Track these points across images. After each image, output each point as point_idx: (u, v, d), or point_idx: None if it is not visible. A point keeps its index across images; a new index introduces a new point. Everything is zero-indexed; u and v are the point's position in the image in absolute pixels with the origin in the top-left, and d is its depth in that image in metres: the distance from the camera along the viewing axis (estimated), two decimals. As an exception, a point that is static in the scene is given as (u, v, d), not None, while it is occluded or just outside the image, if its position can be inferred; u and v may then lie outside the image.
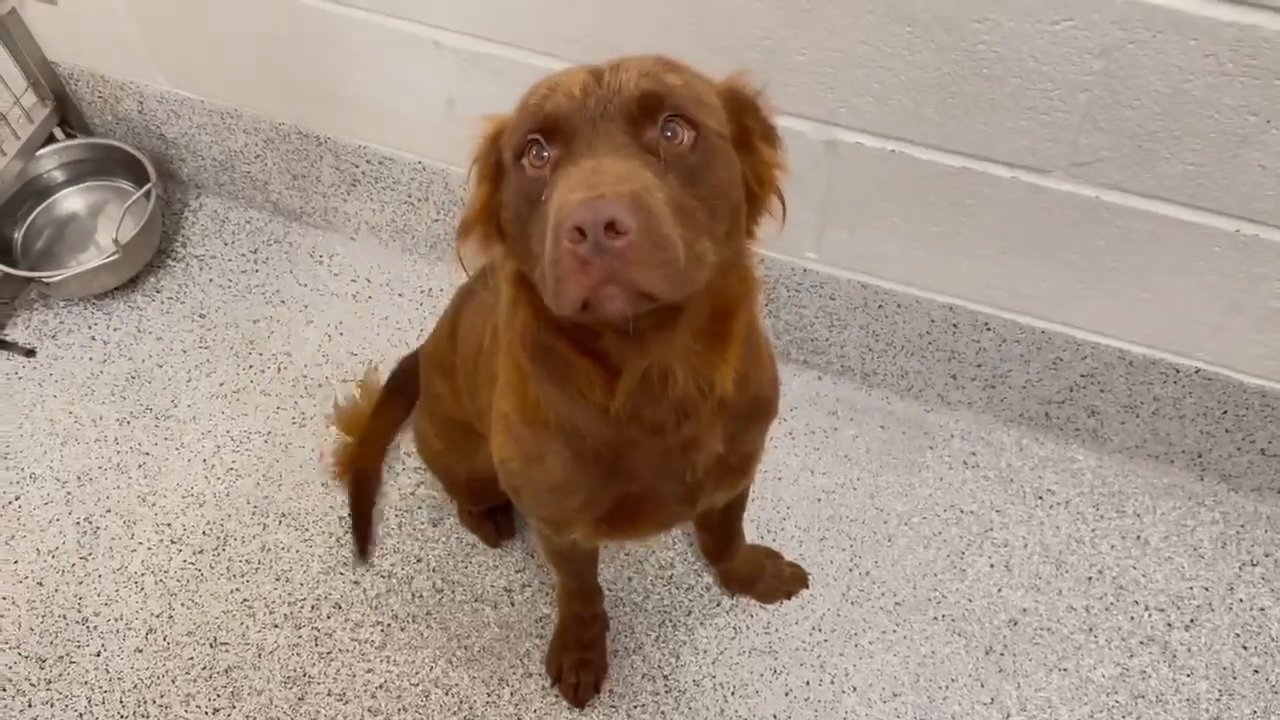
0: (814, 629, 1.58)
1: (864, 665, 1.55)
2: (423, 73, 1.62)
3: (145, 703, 1.55)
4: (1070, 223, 1.41)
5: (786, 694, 1.53)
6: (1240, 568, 1.62)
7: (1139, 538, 1.65)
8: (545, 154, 0.80)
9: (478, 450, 1.43)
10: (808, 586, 1.61)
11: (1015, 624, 1.57)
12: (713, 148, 0.81)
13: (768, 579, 1.59)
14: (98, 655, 1.59)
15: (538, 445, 1.05)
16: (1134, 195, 1.34)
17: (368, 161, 1.85)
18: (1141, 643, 1.56)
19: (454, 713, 1.53)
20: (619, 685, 1.54)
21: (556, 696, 1.53)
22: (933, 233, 1.50)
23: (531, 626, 1.60)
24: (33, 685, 1.57)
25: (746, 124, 0.87)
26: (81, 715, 1.55)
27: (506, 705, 1.53)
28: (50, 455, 1.79)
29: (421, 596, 1.63)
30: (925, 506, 1.68)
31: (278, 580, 1.65)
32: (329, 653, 1.58)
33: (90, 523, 1.72)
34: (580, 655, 1.52)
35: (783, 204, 0.91)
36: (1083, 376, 1.62)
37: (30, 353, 1.90)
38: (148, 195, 1.91)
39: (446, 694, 1.54)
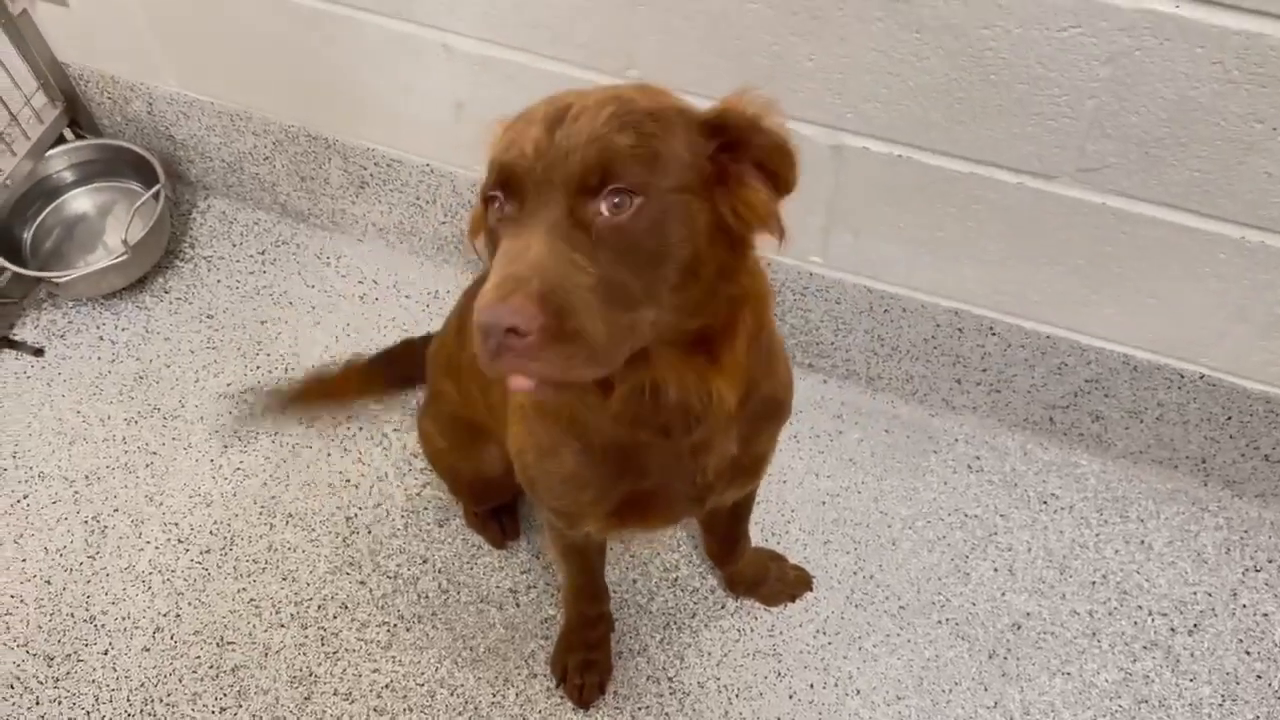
0: (818, 632, 1.58)
1: (868, 668, 1.55)
2: (432, 76, 1.62)
3: (152, 701, 1.56)
4: (1076, 228, 1.41)
5: (790, 697, 1.53)
6: (1243, 573, 1.62)
7: (1143, 543, 1.65)
8: (502, 209, 0.81)
9: (483, 450, 1.44)
10: (812, 589, 1.62)
11: (1019, 628, 1.58)
12: (663, 208, 0.79)
13: (772, 582, 1.60)
14: (105, 654, 1.60)
15: (551, 439, 1.07)
16: (1140, 201, 1.35)
17: (376, 164, 1.85)
18: (1144, 648, 1.56)
19: (459, 713, 1.53)
20: (624, 686, 1.55)
21: (561, 697, 1.54)
22: (938, 238, 1.51)
23: (537, 627, 1.60)
24: (40, 683, 1.58)
25: (749, 146, 0.85)
26: (89, 713, 1.55)
27: (511, 706, 1.54)
28: (58, 454, 1.80)
29: (427, 597, 1.63)
30: (929, 510, 1.69)
31: (284, 580, 1.66)
32: (335, 652, 1.59)
33: (98, 522, 1.72)
34: (585, 656, 1.52)
35: (781, 227, 0.88)
36: (1087, 382, 1.62)
37: (39, 352, 1.91)
38: (156, 196, 1.92)
39: (452, 694, 1.55)
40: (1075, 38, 1.21)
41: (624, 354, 0.80)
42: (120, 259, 1.86)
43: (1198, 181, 1.30)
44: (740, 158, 0.85)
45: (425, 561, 1.67)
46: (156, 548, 1.70)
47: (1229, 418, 1.58)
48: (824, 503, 1.70)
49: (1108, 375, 1.60)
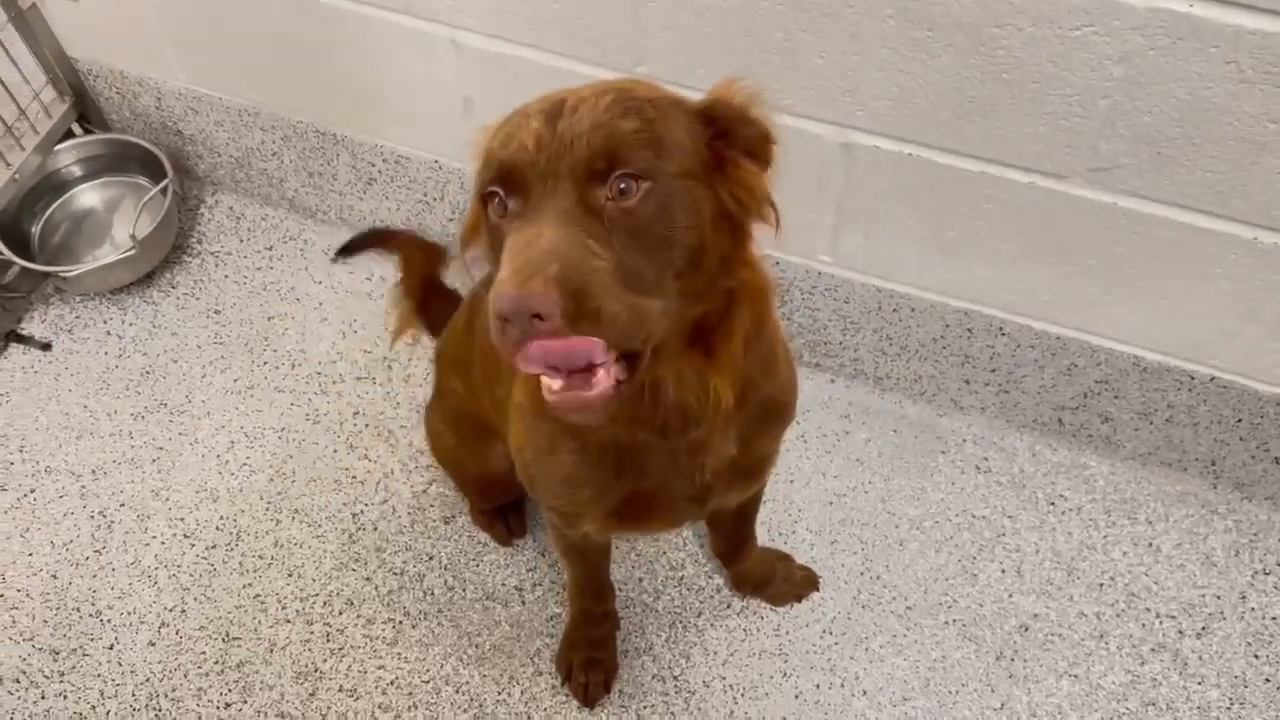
0: (825, 632, 1.58)
1: (874, 669, 1.55)
2: (441, 72, 1.62)
3: (157, 696, 1.56)
4: (1087, 229, 1.41)
5: (796, 696, 1.53)
6: (1253, 576, 1.61)
7: (1151, 545, 1.64)
8: (504, 205, 0.81)
9: (490, 448, 1.44)
10: (818, 589, 1.61)
11: (1026, 630, 1.57)
12: (669, 192, 0.80)
13: (779, 581, 1.59)
14: (110, 648, 1.60)
15: (550, 437, 1.06)
16: (1152, 202, 1.34)
17: (384, 160, 1.85)
18: (1152, 650, 1.55)
19: (464, 710, 1.53)
20: (629, 685, 1.55)
21: (567, 695, 1.54)
22: (948, 237, 1.50)
23: (542, 625, 1.60)
24: (46, 677, 1.58)
25: (737, 135, 0.86)
26: (94, 708, 1.55)
27: (517, 703, 1.53)
28: (65, 449, 1.80)
29: (433, 594, 1.63)
30: (937, 511, 1.68)
31: (290, 576, 1.66)
32: (340, 649, 1.59)
33: (104, 516, 1.72)
34: (590, 654, 1.52)
35: (775, 211, 0.89)
36: (1097, 383, 1.62)
37: (46, 347, 1.92)
38: (164, 191, 1.92)
39: (457, 691, 1.55)
40: (1088, 36, 1.20)
41: (645, 337, 0.79)
42: (128, 254, 1.86)
43: (1210, 182, 1.29)
44: (731, 145, 0.86)
45: (431, 558, 1.66)
46: (162, 543, 1.70)
47: (1239, 420, 1.58)
48: (831, 503, 1.69)
49: (1117, 376, 1.59)
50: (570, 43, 1.47)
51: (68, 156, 2.02)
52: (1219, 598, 1.59)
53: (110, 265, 1.87)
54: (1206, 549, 1.64)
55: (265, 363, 1.88)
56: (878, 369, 1.77)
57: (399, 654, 1.58)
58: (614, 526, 1.16)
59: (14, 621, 1.63)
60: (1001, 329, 1.60)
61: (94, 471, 1.77)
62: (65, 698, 1.56)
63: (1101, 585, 1.61)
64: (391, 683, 1.56)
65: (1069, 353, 1.59)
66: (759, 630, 1.58)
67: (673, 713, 1.52)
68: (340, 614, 1.62)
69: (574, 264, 0.74)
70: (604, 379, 0.77)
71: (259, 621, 1.62)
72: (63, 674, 1.58)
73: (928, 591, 1.61)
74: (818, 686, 1.54)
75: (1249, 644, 1.55)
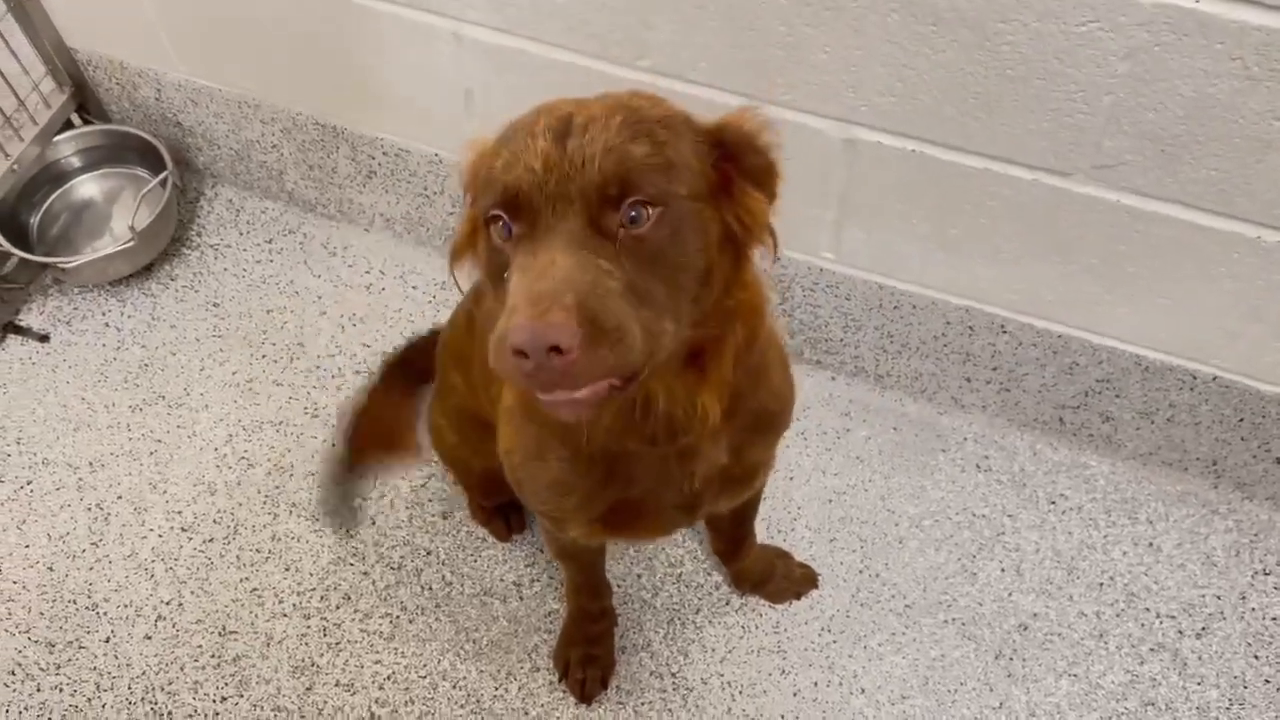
0: (823, 630, 1.58)
1: (873, 667, 1.54)
2: (442, 65, 1.62)
3: (153, 689, 1.55)
4: (1090, 226, 1.40)
5: (794, 694, 1.53)
6: (1253, 576, 1.61)
7: (1151, 544, 1.64)
8: (509, 229, 0.79)
9: (492, 445, 1.42)
10: (818, 587, 1.61)
11: (1025, 629, 1.57)
12: (680, 216, 0.79)
13: (778, 579, 1.59)
14: (107, 641, 1.60)
15: (538, 442, 1.06)
16: (1156, 200, 1.34)
17: (384, 153, 1.84)
18: (1152, 650, 1.55)
19: (461, 706, 1.53)
20: (626, 682, 1.54)
21: (564, 691, 1.53)
22: (951, 234, 1.50)
23: (540, 621, 1.59)
24: (42, 670, 1.58)
25: (743, 162, 0.85)
26: (90, 700, 1.55)
27: (514, 699, 1.53)
28: (63, 441, 1.79)
29: (431, 589, 1.63)
30: (937, 509, 1.68)
31: (287, 570, 1.65)
32: (337, 643, 1.58)
33: (101, 509, 1.72)
34: (587, 651, 1.52)
35: (775, 239, 0.88)
36: (1098, 382, 1.61)
37: (44, 338, 1.91)
38: (164, 183, 1.92)
39: (454, 687, 1.54)
40: (1093, 33, 1.19)
41: (653, 360, 0.78)
42: (127, 246, 1.85)
43: (1215, 180, 1.28)
44: (737, 171, 0.85)
45: (429, 553, 1.66)
46: (160, 535, 1.69)
47: (1241, 420, 1.57)
48: (831, 500, 1.69)
49: (1119, 375, 1.59)
50: (572, 36, 1.47)
51: (67, 147, 2.01)
52: (1219, 598, 1.59)
53: (109, 257, 1.86)
54: (1207, 549, 1.63)
55: (264, 356, 1.88)
56: (879, 366, 1.76)
57: (396, 649, 1.57)
58: (601, 533, 1.15)
59: (10, 614, 1.63)
60: (1003, 327, 1.59)
61: (91, 464, 1.76)
62: (61, 690, 1.56)
63: (1101, 585, 1.60)
64: (388, 677, 1.55)
65: (1071, 351, 1.58)
66: (757, 627, 1.58)
67: (670, 709, 1.52)
68: (337, 608, 1.61)
69: (590, 292, 0.72)
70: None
71: (256, 615, 1.61)
72: (59, 666, 1.58)
73: (927, 590, 1.60)
74: (816, 684, 1.53)
75: (1249, 644, 1.55)
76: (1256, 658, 1.54)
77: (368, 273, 1.97)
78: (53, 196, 2.02)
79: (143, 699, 1.55)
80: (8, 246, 1.84)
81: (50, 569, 1.67)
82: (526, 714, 1.52)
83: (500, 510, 1.65)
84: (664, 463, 1.00)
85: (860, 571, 1.62)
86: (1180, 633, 1.56)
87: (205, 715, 1.53)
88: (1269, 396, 1.52)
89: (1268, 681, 1.52)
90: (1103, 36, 1.19)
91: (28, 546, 1.69)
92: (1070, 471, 1.71)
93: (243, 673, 1.56)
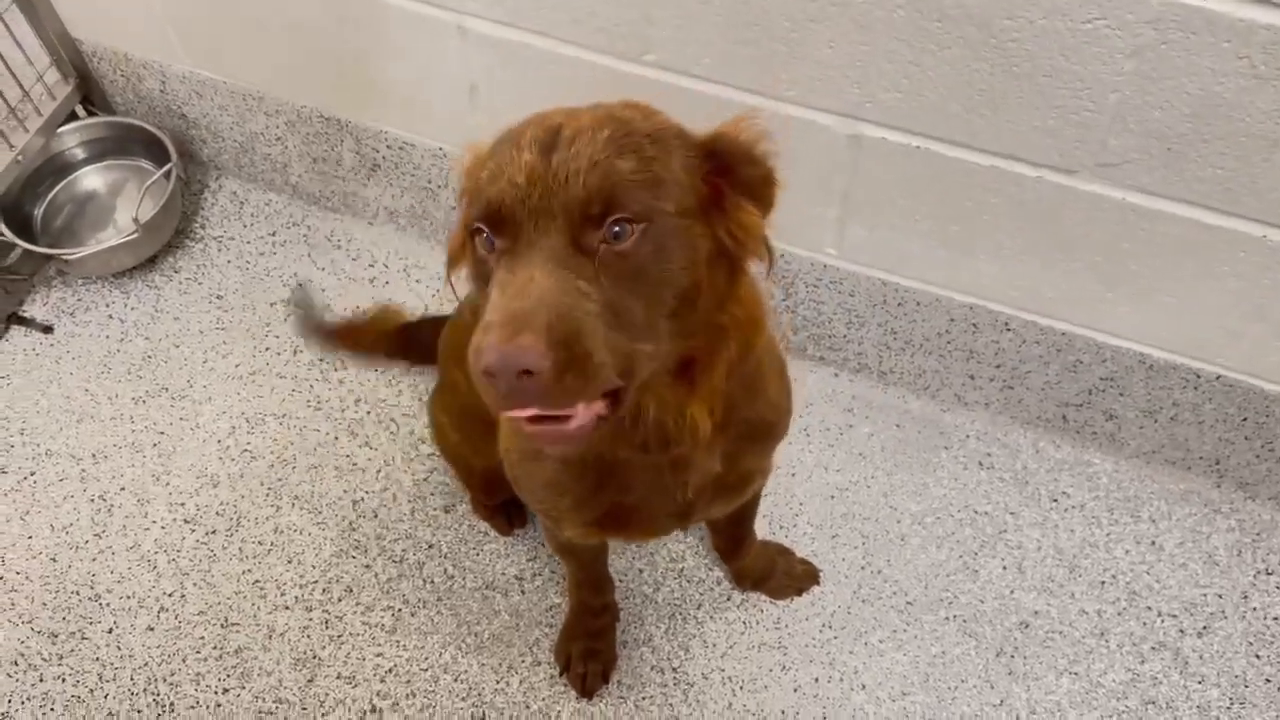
0: (824, 626, 1.58)
1: (873, 663, 1.54)
2: (446, 59, 1.61)
3: (155, 680, 1.56)
4: (1094, 224, 1.40)
5: (795, 690, 1.53)
6: (1255, 576, 1.61)
7: (1154, 543, 1.64)
8: (491, 242, 0.78)
9: (493, 443, 1.42)
10: (819, 583, 1.61)
11: (1026, 626, 1.57)
12: (665, 233, 0.78)
13: (779, 576, 1.59)
14: (109, 632, 1.60)
15: (533, 444, 1.05)
16: (1161, 198, 1.33)
17: (388, 146, 1.84)
18: (1153, 648, 1.55)
19: (462, 699, 1.53)
20: (627, 676, 1.54)
21: (565, 685, 1.54)
22: (955, 231, 1.50)
23: (541, 615, 1.60)
24: (44, 660, 1.58)
25: (739, 173, 0.83)
26: (92, 691, 1.55)
27: (515, 693, 1.53)
28: (66, 432, 1.79)
29: (433, 582, 1.63)
30: (939, 506, 1.67)
31: (289, 562, 1.65)
32: (339, 636, 1.58)
33: (104, 500, 1.72)
34: (588, 645, 1.52)
35: (771, 253, 0.87)
36: (1102, 380, 1.61)
37: (48, 329, 1.91)
38: (168, 175, 1.92)
39: (455, 680, 1.54)
40: (1100, 30, 1.19)
41: (632, 379, 0.78)
42: (131, 237, 1.86)
43: (1220, 179, 1.28)
44: (732, 183, 0.84)
45: (431, 547, 1.66)
46: (162, 527, 1.70)
47: (1244, 419, 1.57)
48: (833, 497, 1.69)
49: (1123, 374, 1.58)
50: (577, 30, 1.46)
51: (71, 139, 2.01)
52: (1221, 597, 1.59)
53: (113, 249, 1.86)
54: (1209, 548, 1.63)
55: (267, 349, 1.88)
56: (881, 363, 1.76)
57: (398, 642, 1.58)
58: (596, 534, 1.16)
59: (13, 604, 1.63)
60: (1007, 325, 1.59)
61: (94, 455, 1.77)
62: (64, 681, 1.56)
63: (1103, 583, 1.60)
64: (390, 670, 1.56)
65: (1074, 349, 1.58)
66: (758, 623, 1.58)
67: (671, 704, 1.52)
68: (339, 601, 1.62)
69: (565, 314, 0.72)
70: (584, 413, 0.76)
71: (258, 608, 1.61)
72: (61, 657, 1.58)
73: (928, 587, 1.60)
74: (816, 680, 1.53)
75: (1250, 644, 1.55)
76: (1258, 657, 1.54)
77: (371, 266, 1.97)
78: (57, 188, 2.02)
79: (145, 690, 1.55)
80: (11, 238, 1.85)
81: (53, 560, 1.67)
82: (528, 708, 1.52)
83: (502, 506, 1.65)
84: (657, 471, 1.00)
85: (862, 568, 1.62)
86: (1182, 631, 1.56)
87: (207, 706, 1.54)
88: (1272, 396, 1.52)
89: (1269, 681, 1.52)
90: (1109, 34, 1.19)
91: (31, 537, 1.69)
92: (1073, 469, 1.70)
93: (244, 664, 1.57)
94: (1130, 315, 1.50)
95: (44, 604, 1.63)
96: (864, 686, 1.53)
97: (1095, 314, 1.53)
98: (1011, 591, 1.60)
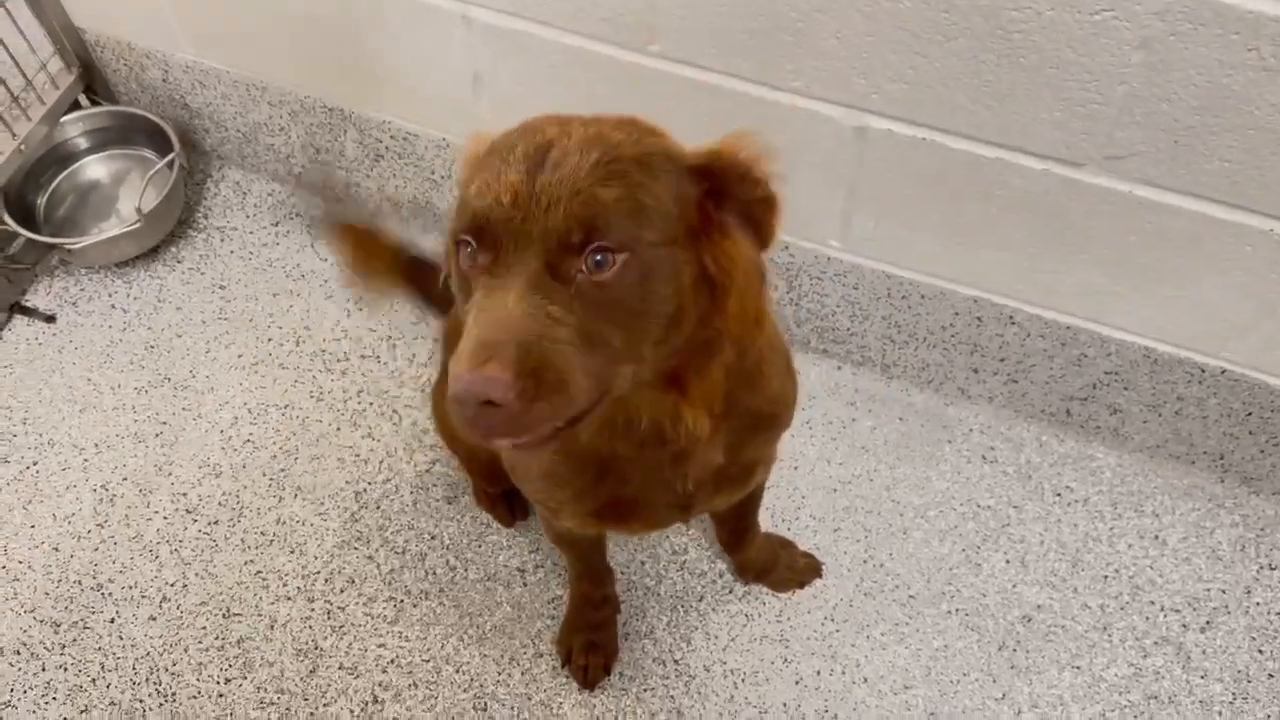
0: (826, 619, 1.57)
1: (875, 657, 1.54)
2: (450, 48, 1.61)
3: (158, 670, 1.56)
4: (1101, 217, 1.39)
5: (797, 683, 1.53)
6: (1258, 571, 1.60)
7: (1157, 538, 1.63)
8: (474, 256, 0.78)
9: None
10: (821, 576, 1.61)
11: (1029, 620, 1.56)
12: (647, 262, 0.76)
13: (782, 569, 1.59)
14: (111, 622, 1.60)
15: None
16: (1168, 191, 1.33)
17: (391, 137, 1.84)
18: (1156, 643, 1.55)
19: (464, 690, 1.53)
20: (629, 668, 1.54)
21: (567, 677, 1.54)
22: (960, 224, 1.49)
23: (543, 607, 1.60)
24: (47, 650, 1.58)
25: (737, 195, 0.81)
26: (94, 680, 1.55)
27: (517, 685, 1.53)
28: (68, 422, 1.79)
29: (435, 574, 1.63)
30: (942, 500, 1.67)
31: (292, 553, 1.65)
32: (341, 626, 1.58)
33: (107, 490, 1.72)
34: (590, 637, 1.52)
35: (763, 286, 0.84)
36: (1106, 374, 1.60)
37: (51, 319, 1.91)
38: (171, 165, 1.91)
39: (457, 671, 1.54)
40: (1108, 21, 1.18)
41: (603, 399, 0.78)
42: (133, 227, 1.85)
43: (1227, 171, 1.27)
44: (726, 205, 0.81)
45: (433, 538, 1.66)
46: (165, 517, 1.70)
47: (1249, 413, 1.56)
48: (835, 490, 1.69)
49: (1128, 368, 1.58)
50: (581, 20, 1.46)
51: (74, 128, 2.01)
52: (1224, 592, 1.58)
53: (115, 238, 1.86)
54: (1212, 543, 1.63)
55: (270, 339, 1.88)
56: (885, 356, 1.76)
57: (400, 633, 1.58)
58: (595, 525, 1.15)
59: (15, 594, 1.63)
60: (1012, 318, 1.59)
61: (97, 445, 1.77)
62: (66, 670, 1.56)
63: (1106, 577, 1.60)
64: (392, 661, 1.56)
65: (1079, 343, 1.57)
66: (761, 616, 1.58)
67: (672, 696, 1.52)
68: (341, 592, 1.62)
69: (535, 342, 0.71)
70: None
71: (260, 598, 1.61)
72: (63, 646, 1.58)
73: (931, 580, 1.60)
74: (818, 673, 1.53)
75: (1253, 639, 1.55)
76: (1260, 652, 1.54)
77: (374, 257, 1.97)
78: (60, 177, 2.01)
79: (147, 679, 1.55)
80: (14, 227, 1.84)
81: (56, 549, 1.67)
82: (529, 699, 1.52)
83: (504, 496, 1.65)
84: (657, 463, 0.99)
85: (864, 561, 1.62)
86: (1184, 626, 1.56)
87: (209, 697, 1.54)
88: (1277, 390, 1.51)
89: (1271, 676, 1.52)
90: (1117, 25, 1.18)
91: (33, 527, 1.69)
92: (1077, 464, 1.70)
93: (246, 655, 1.57)
94: (1136, 309, 1.50)
95: (46, 593, 1.63)
96: (866, 679, 1.52)
97: (1100, 307, 1.52)
98: (1014, 585, 1.59)
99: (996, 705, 1.50)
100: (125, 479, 1.73)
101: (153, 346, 1.87)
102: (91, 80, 2.02)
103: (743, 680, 1.53)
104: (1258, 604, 1.57)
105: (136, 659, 1.57)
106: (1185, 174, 1.30)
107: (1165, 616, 1.57)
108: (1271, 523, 1.64)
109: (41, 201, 1.99)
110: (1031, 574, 1.60)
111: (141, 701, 1.54)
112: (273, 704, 1.53)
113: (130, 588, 1.63)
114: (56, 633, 1.60)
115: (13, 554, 1.67)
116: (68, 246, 1.87)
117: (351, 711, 1.52)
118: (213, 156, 2.10)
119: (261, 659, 1.56)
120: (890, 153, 1.43)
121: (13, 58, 1.85)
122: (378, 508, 1.69)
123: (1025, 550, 1.62)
